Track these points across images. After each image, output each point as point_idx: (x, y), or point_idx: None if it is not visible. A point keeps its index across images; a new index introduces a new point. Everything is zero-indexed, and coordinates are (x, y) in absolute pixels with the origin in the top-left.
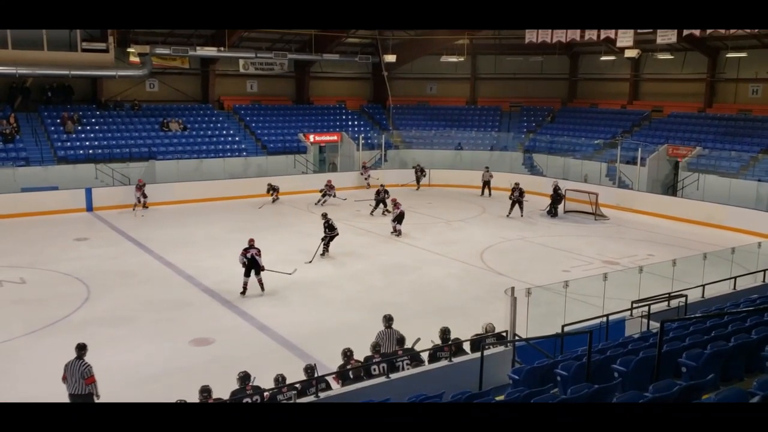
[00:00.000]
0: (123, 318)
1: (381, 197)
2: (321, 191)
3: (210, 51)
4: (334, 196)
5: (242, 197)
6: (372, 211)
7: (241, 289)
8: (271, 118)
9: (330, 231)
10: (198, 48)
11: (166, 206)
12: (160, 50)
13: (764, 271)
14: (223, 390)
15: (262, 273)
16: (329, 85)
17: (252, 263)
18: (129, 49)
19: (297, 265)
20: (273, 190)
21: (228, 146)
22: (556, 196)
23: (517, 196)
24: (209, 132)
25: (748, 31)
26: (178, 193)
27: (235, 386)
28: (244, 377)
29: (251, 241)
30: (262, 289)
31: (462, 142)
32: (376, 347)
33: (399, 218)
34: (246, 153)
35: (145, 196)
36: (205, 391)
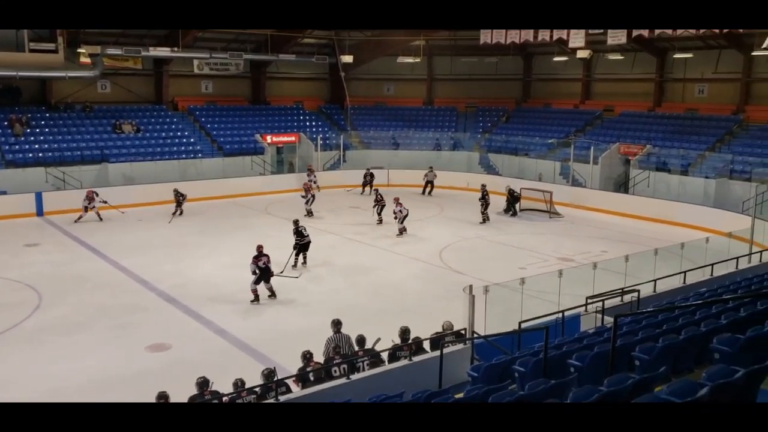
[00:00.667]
0: (76, 324)
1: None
2: (303, 191)
3: (163, 51)
4: (314, 196)
5: (198, 200)
6: (380, 220)
7: (253, 297)
8: (227, 119)
9: (299, 238)
10: (151, 48)
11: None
12: (111, 50)
13: (712, 265)
14: (181, 396)
15: (271, 280)
16: (286, 85)
17: (264, 272)
18: (79, 50)
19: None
20: (181, 196)
21: (183, 148)
22: (512, 198)
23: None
24: (163, 134)
25: (694, 32)
26: (132, 196)
27: (194, 392)
28: (203, 383)
29: (260, 248)
30: (274, 295)
31: (420, 142)
32: (336, 348)
33: (403, 218)
34: (202, 155)
35: (104, 202)
36: (162, 397)
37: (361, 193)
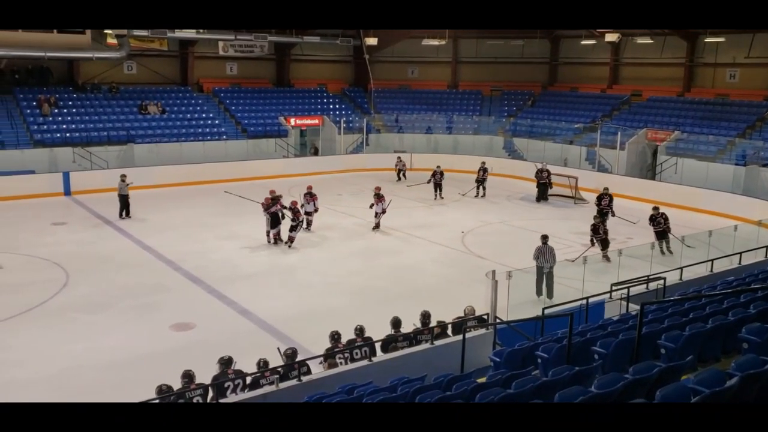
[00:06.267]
0: (101, 304)
1: (438, 179)
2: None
3: (189, 33)
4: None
5: (222, 181)
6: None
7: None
8: (251, 101)
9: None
10: (176, 29)
11: (145, 190)
12: (137, 32)
13: (740, 253)
14: (205, 375)
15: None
16: (310, 67)
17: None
18: (106, 31)
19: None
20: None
21: (207, 129)
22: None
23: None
24: (188, 115)
25: None
26: (157, 177)
27: (217, 371)
28: (226, 362)
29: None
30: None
31: (444, 126)
32: (358, 331)
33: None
34: (226, 137)
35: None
36: (187, 376)
37: (476, 196)
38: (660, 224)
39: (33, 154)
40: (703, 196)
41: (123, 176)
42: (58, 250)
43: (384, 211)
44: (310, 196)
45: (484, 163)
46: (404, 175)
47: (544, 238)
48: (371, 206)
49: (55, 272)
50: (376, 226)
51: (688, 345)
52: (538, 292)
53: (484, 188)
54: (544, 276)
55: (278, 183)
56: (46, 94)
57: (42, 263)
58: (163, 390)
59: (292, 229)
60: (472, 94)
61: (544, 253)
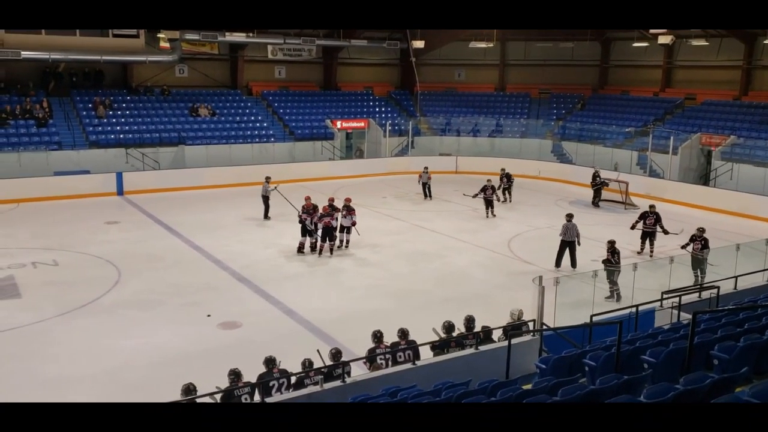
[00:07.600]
0: (151, 301)
1: (489, 195)
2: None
3: (239, 36)
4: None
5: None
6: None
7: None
8: (298, 104)
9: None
10: (227, 33)
11: (195, 191)
12: (189, 35)
13: None
14: (251, 373)
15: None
16: (357, 71)
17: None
18: (159, 35)
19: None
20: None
21: (256, 132)
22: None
23: (506, 183)
24: (238, 118)
25: None
26: (207, 178)
27: (262, 370)
28: (270, 361)
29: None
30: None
31: (494, 129)
32: (402, 333)
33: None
34: (274, 139)
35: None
36: (234, 374)
37: (503, 201)
38: (695, 249)
39: (88, 154)
40: (761, 203)
41: (267, 178)
42: (110, 248)
43: (354, 224)
44: (332, 209)
45: (504, 169)
46: (429, 192)
47: (569, 216)
48: (344, 217)
49: (108, 270)
50: (346, 243)
51: (742, 356)
52: (557, 264)
53: (509, 194)
54: (567, 248)
55: (323, 185)
56: (101, 96)
57: (95, 261)
58: (190, 389)
59: (309, 234)
60: (519, 97)
61: (569, 229)
